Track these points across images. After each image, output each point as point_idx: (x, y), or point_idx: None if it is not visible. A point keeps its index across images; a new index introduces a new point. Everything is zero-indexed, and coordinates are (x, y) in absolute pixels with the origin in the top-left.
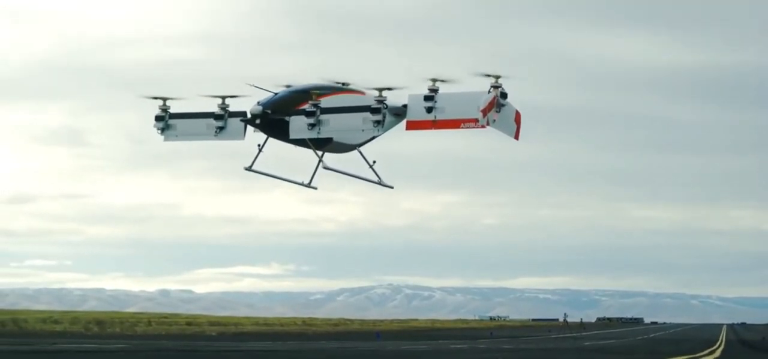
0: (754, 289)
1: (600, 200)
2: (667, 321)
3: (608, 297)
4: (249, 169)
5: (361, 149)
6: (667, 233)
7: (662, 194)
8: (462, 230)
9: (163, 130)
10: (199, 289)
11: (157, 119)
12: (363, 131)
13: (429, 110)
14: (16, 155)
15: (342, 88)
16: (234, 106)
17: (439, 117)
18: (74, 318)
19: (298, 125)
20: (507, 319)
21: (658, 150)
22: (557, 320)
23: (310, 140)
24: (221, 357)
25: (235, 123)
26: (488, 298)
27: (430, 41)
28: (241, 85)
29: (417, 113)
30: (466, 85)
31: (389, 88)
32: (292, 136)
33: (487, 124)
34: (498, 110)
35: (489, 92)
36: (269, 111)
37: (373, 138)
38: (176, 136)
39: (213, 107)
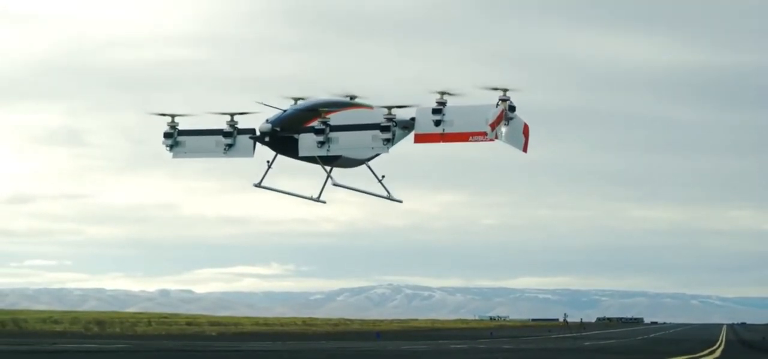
0: (754, 289)
1: (600, 200)
2: (667, 321)
3: (608, 297)
4: (258, 185)
5: (370, 162)
6: (667, 233)
7: (662, 194)
8: (462, 230)
9: (171, 147)
10: (199, 289)
11: (166, 135)
12: (372, 148)
13: (437, 123)
14: (16, 155)
15: (350, 103)
16: (242, 123)
17: (448, 130)
18: (74, 318)
19: (307, 142)
20: (507, 319)
21: (658, 150)
22: (557, 320)
23: (319, 157)
24: (221, 357)
25: (244, 140)
26: (488, 298)
27: (430, 41)
28: (249, 102)
29: (425, 126)
30: (474, 98)
31: (398, 106)
32: (301, 154)
33: (496, 137)
34: (506, 123)
35: (497, 105)
36: (278, 129)
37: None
38: (185, 153)
39: (221, 123)
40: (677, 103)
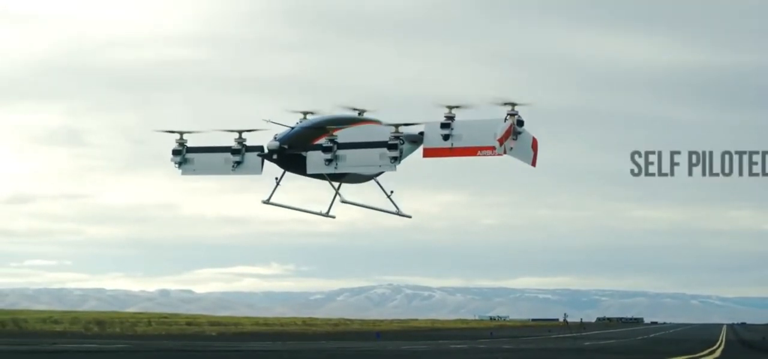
0: (754, 289)
1: (600, 200)
2: (667, 321)
3: (608, 297)
4: (267, 202)
5: (379, 177)
6: (667, 234)
7: (662, 194)
8: (462, 230)
9: (180, 164)
10: (199, 289)
11: (175, 153)
12: (380, 166)
13: (446, 137)
14: (16, 155)
15: (357, 119)
16: (251, 140)
17: (456, 145)
18: (74, 318)
19: (314, 160)
20: (507, 319)
21: (658, 150)
22: (557, 320)
23: (327, 174)
24: (221, 357)
25: (252, 158)
26: (488, 298)
27: (430, 41)
28: (249, 103)
29: (434, 140)
30: (483, 112)
31: (406, 124)
32: (309, 171)
33: (504, 152)
34: (515, 137)
35: (505, 119)
36: (286, 146)
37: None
38: (194, 170)
39: (230, 140)
40: (677, 103)
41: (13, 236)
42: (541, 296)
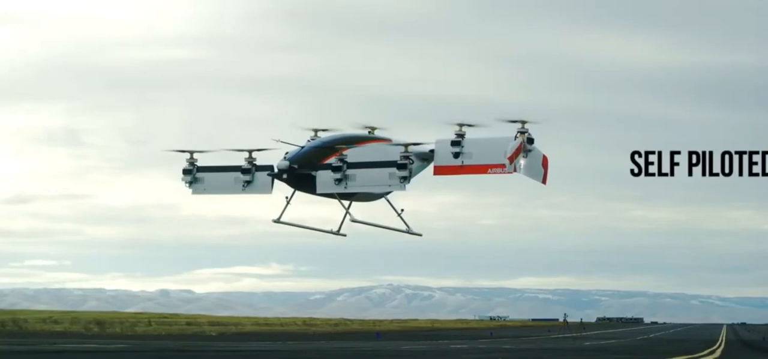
0: (754, 289)
1: (600, 200)
2: (667, 321)
3: (608, 297)
4: (277, 221)
5: (389, 196)
6: (667, 234)
7: (662, 194)
8: (462, 230)
9: (190, 183)
10: (199, 289)
11: (185, 172)
12: (389, 185)
13: (456, 155)
14: (16, 155)
15: (368, 137)
16: (260, 159)
17: (467, 162)
18: (74, 318)
19: (324, 179)
20: (507, 319)
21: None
22: (557, 320)
23: (337, 193)
24: (221, 357)
25: (262, 177)
26: (488, 298)
27: (430, 41)
28: (249, 102)
29: (444, 158)
30: (493, 130)
31: (415, 143)
32: (319, 191)
33: (515, 170)
34: (525, 155)
35: (515, 137)
36: (296, 166)
37: None
38: (204, 190)
39: (239, 159)
40: (677, 103)
41: (13, 236)
42: (541, 296)
